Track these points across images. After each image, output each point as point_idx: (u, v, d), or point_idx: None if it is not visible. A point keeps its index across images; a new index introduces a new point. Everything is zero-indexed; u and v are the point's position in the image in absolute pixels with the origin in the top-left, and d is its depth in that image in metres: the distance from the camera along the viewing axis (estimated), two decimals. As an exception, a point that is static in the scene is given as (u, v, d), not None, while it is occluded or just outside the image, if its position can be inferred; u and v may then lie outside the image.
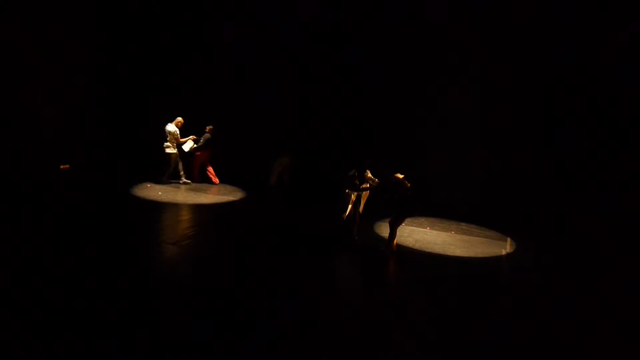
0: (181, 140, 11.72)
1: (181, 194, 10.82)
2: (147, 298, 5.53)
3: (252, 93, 13.30)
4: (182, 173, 11.82)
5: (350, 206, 8.07)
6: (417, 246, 8.28)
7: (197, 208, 9.84)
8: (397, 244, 7.93)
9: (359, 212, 8.28)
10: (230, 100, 13.52)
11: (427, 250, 8.15)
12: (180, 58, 13.88)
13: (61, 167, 12.70)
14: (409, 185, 7.52)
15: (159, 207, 9.65)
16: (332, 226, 8.61)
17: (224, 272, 6.51)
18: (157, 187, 11.30)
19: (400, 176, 7.52)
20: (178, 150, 11.72)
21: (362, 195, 8.15)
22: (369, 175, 8.04)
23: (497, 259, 8.03)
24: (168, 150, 11.63)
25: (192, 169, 12.20)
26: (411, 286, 6.83)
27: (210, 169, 12.28)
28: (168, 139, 11.60)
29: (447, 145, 11.21)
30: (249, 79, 13.34)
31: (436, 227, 9.66)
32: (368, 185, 7.96)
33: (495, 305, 6.15)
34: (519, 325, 5.57)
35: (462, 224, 10.07)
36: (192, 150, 11.92)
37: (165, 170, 11.78)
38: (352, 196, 8.07)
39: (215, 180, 12.25)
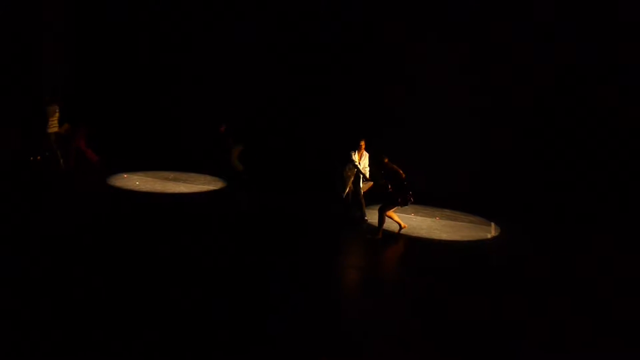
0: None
1: (159, 184, 10.51)
2: (139, 294, 5.33)
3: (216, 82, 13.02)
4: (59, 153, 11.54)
5: (349, 185, 8.33)
6: (403, 231, 8.21)
7: (178, 198, 9.62)
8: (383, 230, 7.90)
9: (362, 192, 8.52)
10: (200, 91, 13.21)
11: (413, 235, 8.13)
12: (145, 51, 13.50)
13: (31, 159, 12.20)
14: (403, 175, 7.62)
15: (138, 199, 9.35)
16: (334, 207, 8.77)
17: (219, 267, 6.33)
18: (134, 177, 10.95)
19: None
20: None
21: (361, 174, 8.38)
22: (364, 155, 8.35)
23: (483, 242, 8.09)
24: (54, 130, 11.31)
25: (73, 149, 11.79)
26: (400, 270, 6.80)
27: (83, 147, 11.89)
28: (52, 118, 11.25)
29: (430, 131, 11.14)
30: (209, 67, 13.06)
31: (420, 213, 9.62)
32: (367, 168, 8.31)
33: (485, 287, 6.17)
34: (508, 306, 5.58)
35: (446, 210, 10.07)
36: (65, 130, 11.56)
37: (54, 154, 11.42)
38: (351, 175, 8.30)
39: (93, 157, 11.88)
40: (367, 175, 8.32)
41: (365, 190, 8.58)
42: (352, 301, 5.64)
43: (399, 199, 7.62)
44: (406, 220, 8.91)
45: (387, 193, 7.74)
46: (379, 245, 7.61)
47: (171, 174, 11.56)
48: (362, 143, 8.28)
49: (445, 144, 11.02)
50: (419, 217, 9.28)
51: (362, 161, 8.37)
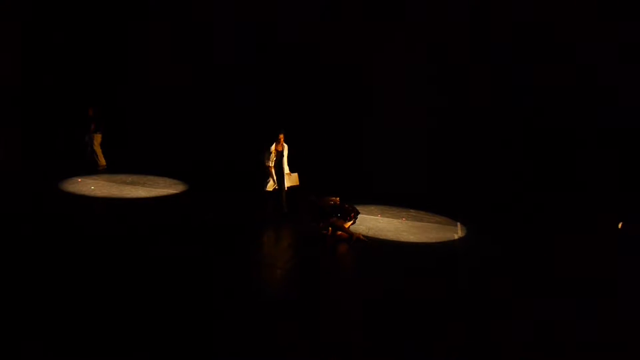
0: None
1: (116, 188, 10.03)
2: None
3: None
4: None
5: (271, 178, 8.40)
6: (370, 234, 8.08)
7: (138, 203, 9.21)
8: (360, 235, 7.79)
9: (284, 186, 8.50)
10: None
11: (381, 237, 8.01)
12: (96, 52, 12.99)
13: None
14: (338, 200, 7.77)
15: (96, 204, 8.89)
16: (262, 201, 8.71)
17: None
18: (89, 181, 10.41)
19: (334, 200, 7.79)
20: None
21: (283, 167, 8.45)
22: (284, 145, 8.42)
23: (450, 243, 8.08)
24: None
25: None
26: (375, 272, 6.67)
27: None
28: None
29: (391, 132, 11.09)
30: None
31: (386, 214, 9.53)
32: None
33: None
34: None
35: (411, 210, 10.01)
36: None
37: None
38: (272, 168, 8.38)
39: None
40: (273, 172, 8.38)
41: (290, 185, 8.55)
42: (316, 304, 5.45)
43: (352, 214, 7.72)
44: (372, 222, 8.81)
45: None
46: (350, 248, 7.46)
47: (129, 177, 11.08)
48: (281, 136, 8.36)
49: (407, 144, 11.02)
50: (385, 219, 9.19)
51: (283, 154, 8.43)
